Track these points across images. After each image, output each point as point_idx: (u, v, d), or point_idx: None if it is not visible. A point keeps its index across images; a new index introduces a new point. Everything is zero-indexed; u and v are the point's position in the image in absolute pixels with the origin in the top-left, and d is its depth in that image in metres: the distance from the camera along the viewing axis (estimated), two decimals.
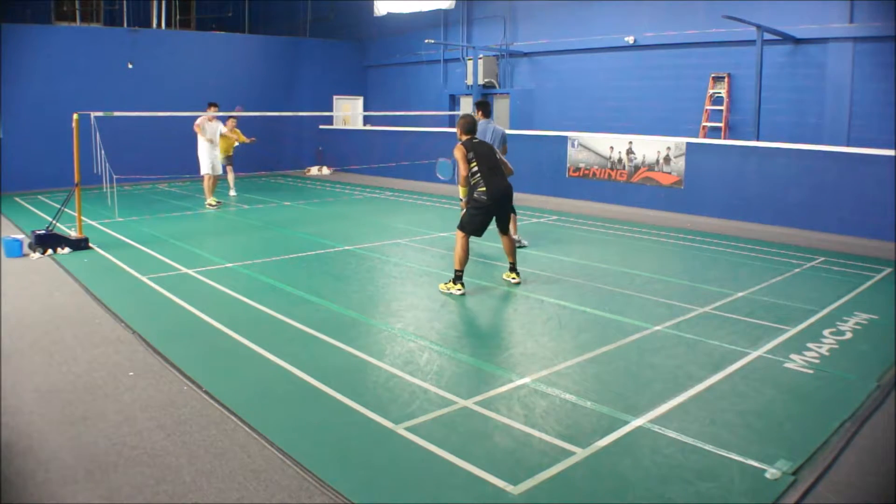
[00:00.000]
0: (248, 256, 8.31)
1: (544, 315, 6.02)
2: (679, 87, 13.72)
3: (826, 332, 5.50)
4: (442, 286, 6.78)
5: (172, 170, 14.31)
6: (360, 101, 21.16)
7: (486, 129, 8.38)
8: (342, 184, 16.72)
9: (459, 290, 6.64)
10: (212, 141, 12.25)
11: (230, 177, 14.09)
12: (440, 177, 9.40)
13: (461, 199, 7.05)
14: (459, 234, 6.68)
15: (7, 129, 14.71)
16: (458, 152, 6.66)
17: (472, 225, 6.67)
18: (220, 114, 12.61)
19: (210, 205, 12.38)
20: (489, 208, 6.63)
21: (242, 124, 16.98)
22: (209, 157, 12.28)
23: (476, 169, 6.63)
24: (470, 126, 6.82)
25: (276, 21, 21.51)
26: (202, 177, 12.52)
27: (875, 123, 11.14)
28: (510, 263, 7.04)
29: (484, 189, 6.59)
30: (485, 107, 8.65)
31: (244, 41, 19.20)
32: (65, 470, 3.37)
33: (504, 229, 6.90)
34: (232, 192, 13.98)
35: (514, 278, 7.02)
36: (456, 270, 6.67)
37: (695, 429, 3.80)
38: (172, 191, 14.49)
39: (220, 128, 12.63)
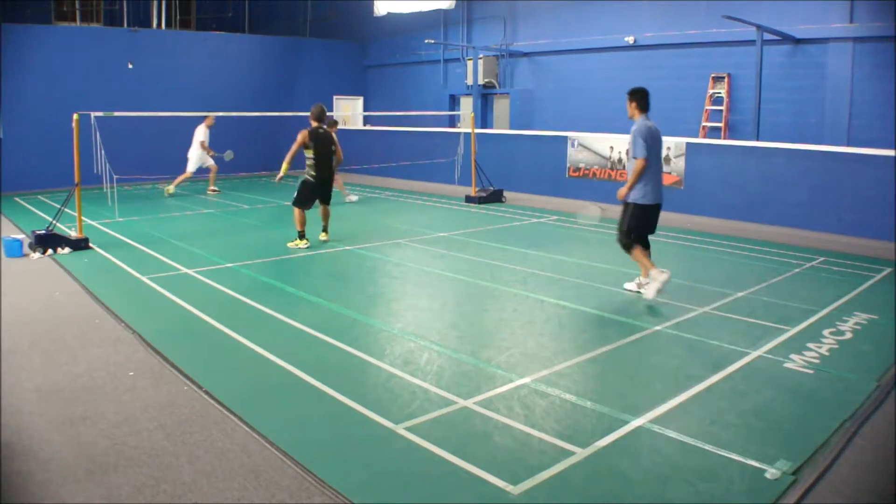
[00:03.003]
0: (248, 256, 8.31)
1: (544, 315, 6.02)
2: (679, 87, 13.69)
3: (826, 332, 5.50)
4: (290, 243, 8.73)
5: (172, 170, 14.26)
6: (360, 101, 21.13)
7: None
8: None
9: (306, 243, 8.71)
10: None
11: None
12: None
13: (279, 174, 8.86)
14: (295, 209, 8.71)
15: (7, 129, 14.69)
16: (300, 136, 8.50)
17: (302, 200, 8.69)
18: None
19: (170, 192, 13.89)
20: (314, 187, 8.69)
21: (240, 125, 17.01)
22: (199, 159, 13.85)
23: (313, 155, 8.56)
24: (318, 114, 8.64)
25: (276, 21, 21.50)
26: (187, 173, 13.97)
27: (875, 123, 11.13)
28: (323, 226, 9.06)
29: (315, 174, 8.64)
30: None
31: (244, 41, 19.18)
32: (65, 470, 3.37)
33: (325, 202, 8.94)
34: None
35: (323, 236, 9.04)
36: (298, 231, 8.72)
37: (695, 429, 3.80)
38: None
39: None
